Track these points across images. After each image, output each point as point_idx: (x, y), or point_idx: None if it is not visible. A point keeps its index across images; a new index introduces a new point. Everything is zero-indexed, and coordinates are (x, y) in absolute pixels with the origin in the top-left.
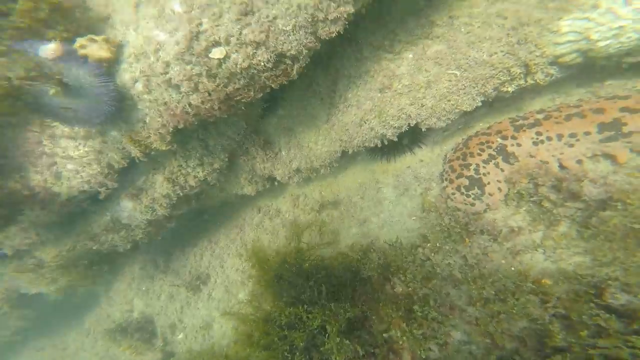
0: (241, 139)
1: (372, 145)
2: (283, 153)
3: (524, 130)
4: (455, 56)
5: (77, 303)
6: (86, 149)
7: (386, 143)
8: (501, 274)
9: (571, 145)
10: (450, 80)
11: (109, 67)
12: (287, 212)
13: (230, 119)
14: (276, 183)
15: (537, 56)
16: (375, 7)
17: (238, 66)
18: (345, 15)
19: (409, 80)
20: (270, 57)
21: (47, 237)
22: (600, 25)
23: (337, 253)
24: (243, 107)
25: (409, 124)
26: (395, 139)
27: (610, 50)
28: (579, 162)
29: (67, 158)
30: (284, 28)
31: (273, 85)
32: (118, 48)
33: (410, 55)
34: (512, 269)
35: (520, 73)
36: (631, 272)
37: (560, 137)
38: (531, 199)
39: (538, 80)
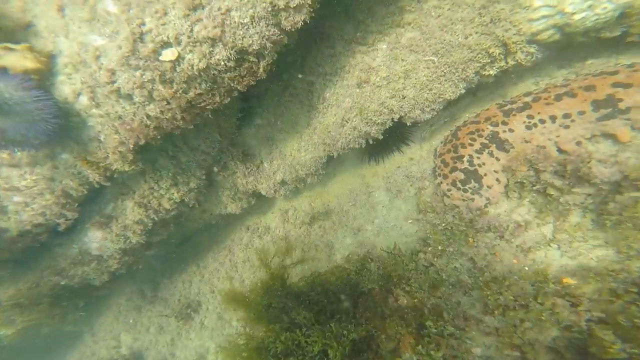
0: (217, 153)
1: (357, 145)
2: (265, 165)
3: (514, 115)
4: (430, 42)
5: (60, 342)
6: (34, 178)
7: (372, 143)
8: (516, 276)
9: (567, 127)
10: (428, 68)
11: (40, 80)
12: (277, 229)
13: (202, 131)
14: (263, 198)
15: (514, 34)
16: None
17: (195, 68)
18: (309, 2)
19: (387, 72)
20: (230, 54)
21: (1, 275)
22: None
23: (332, 266)
24: (210, 115)
25: (392, 119)
26: (381, 137)
27: (587, 23)
28: (578, 144)
29: (11, 190)
30: (240, 21)
31: (240, 88)
32: (49, 58)
33: (385, 46)
34: (526, 268)
35: (499, 54)
36: None
37: (553, 118)
38: (534, 187)
39: (520, 61)
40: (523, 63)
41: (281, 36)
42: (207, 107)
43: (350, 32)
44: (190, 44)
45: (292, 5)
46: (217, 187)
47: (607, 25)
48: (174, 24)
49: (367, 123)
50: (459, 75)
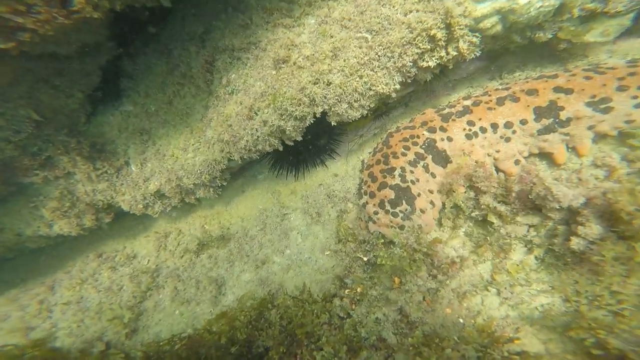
0: (31, 141)
1: (268, 147)
2: (133, 168)
3: (454, 120)
4: (365, 16)
5: None
6: None
7: (290, 145)
8: (456, 335)
9: (507, 140)
10: (360, 47)
11: None
12: (145, 258)
13: None
14: (136, 218)
15: (459, 15)
16: None
17: None
18: None
19: (312, 50)
20: None
21: None
22: None
23: (215, 316)
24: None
25: (314, 113)
26: (299, 138)
27: (532, 11)
28: (517, 163)
29: None
30: None
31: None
32: None
33: (313, 21)
34: (461, 321)
35: (441, 39)
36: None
37: (495, 127)
38: (472, 214)
39: (462, 51)
40: (465, 54)
41: None
42: None
43: (274, 2)
44: None
45: None
46: (32, 195)
47: (546, 19)
48: None
49: (281, 115)
50: (394, 63)
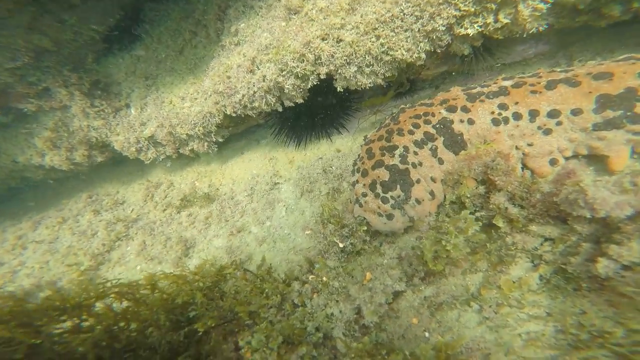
0: (25, 68)
1: (265, 106)
2: (132, 110)
3: (482, 101)
4: None
5: None
6: None
7: (295, 110)
8: (408, 349)
9: (547, 132)
10: (384, 2)
11: None
12: (130, 207)
13: None
14: (134, 164)
15: None
16: None
17: None
18: None
19: (328, 1)
20: None
21: None
22: None
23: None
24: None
25: (318, 73)
26: (300, 100)
27: None
28: (553, 163)
29: None
30: None
31: None
32: None
33: None
34: (426, 335)
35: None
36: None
37: (534, 115)
38: (477, 213)
39: (520, 19)
40: (524, 24)
41: None
42: None
43: None
44: None
45: None
46: (24, 123)
47: None
48: None
49: (281, 70)
50: (422, 25)
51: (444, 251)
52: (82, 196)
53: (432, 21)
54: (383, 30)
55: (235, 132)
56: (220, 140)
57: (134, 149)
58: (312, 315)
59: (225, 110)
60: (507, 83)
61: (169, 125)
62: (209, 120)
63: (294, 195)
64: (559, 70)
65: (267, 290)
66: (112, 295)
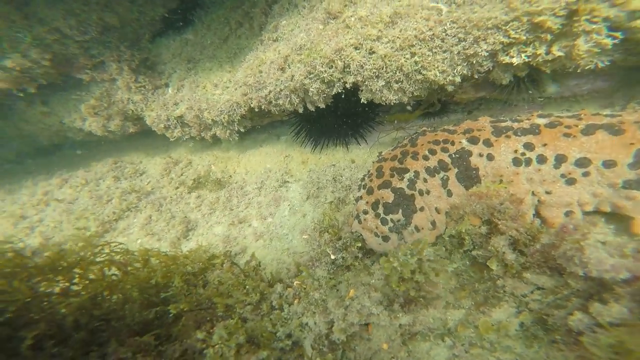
0: (89, 42)
1: (288, 105)
2: (169, 90)
3: (507, 137)
4: None
5: None
6: None
7: (317, 113)
8: None
9: (570, 182)
10: (427, 19)
11: None
12: (149, 178)
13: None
14: (159, 137)
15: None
16: None
17: None
18: None
19: (369, 11)
20: None
21: None
22: None
23: (158, 252)
24: None
25: (344, 82)
26: (322, 105)
27: None
28: (569, 214)
29: None
30: None
31: None
32: None
33: None
34: None
35: (550, 30)
36: None
37: (560, 160)
38: (473, 251)
39: (576, 54)
40: (579, 60)
41: None
42: None
43: None
44: None
45: None
46: (77, 90)
47: None
48: None
49: (308, 73)
50: (463, 48)
51: (408, 272)
52: (109, 161)
53: (475, 45)
54: (420, 48)
55: (259, 124)
56: (242, 130)
57: (162, 126)
58: (287, 321)
59: (251, 103)
60: (541, 121)
61: (197, 108)
62: (235, 109)
63: (300, 197)
64: (604, 113)
65: (248, 287)
66: (106, 260)
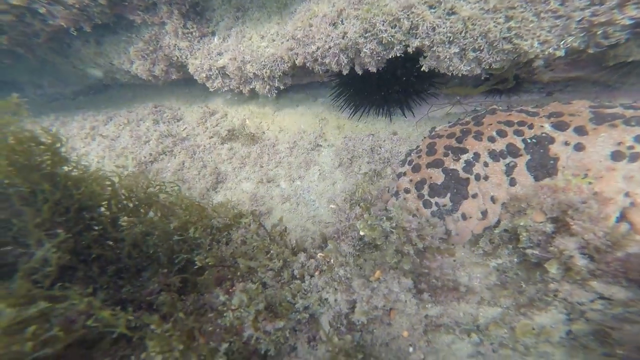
0: None
1: (335, 65)
2: (215, 39)
3: (613, 125)
4: None
5: None
6: None
7: (359, 73)
8: None
9: None
10: None
11: None
12: (185, 125)
13: None
14: (197, 84)
15: None
16: None
17: None
18: None
19: None
20: None
21: None
22: None
23: (188, 201)
24: None
25: (406, 44)
26: (373, 69)
27: None
28: None
29: None
30: None
31: None
32: None
33: None
34: (410, 350)
35: None
36: None
37: None
38: (527, 250)
39: None
40: None
41: None
42: None
43: None
44: None
45: None
46: (128, 32)
47: None
48: None
49: (365, 31)
50: (593, 14)
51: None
52: (150, 105)
53: (614, 12)
54: (523, 12)
55: (298, 82)
56: (282, 87)
57: (204, 75)
58: (306, 294)
59: (296, 59)
60: None
61: (240, 60)
62: (278, 65)
63: (332, 162)
64: None
65: (272, 251)
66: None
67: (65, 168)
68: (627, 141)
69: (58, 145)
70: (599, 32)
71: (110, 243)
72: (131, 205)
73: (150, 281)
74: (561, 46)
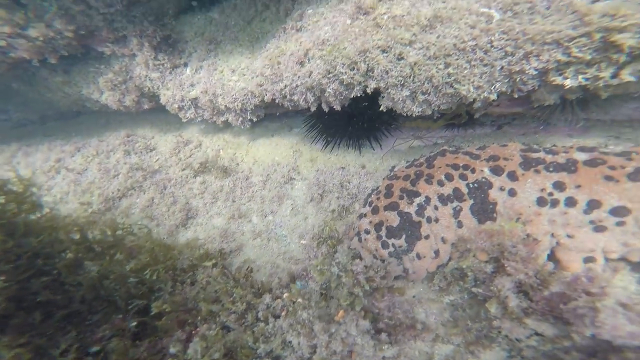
0: (113, 15)
1: (302, 102)
2: (187, 70)
3: (537, 172)
4: None
5: None
6: None
7: (325, 111)
8: None
9: (599, 229)
10: (473, 27)
11: None
12: (157, 155)
13: None
14: (171, 115)
15: None
16: None
17: None
18: None
19: (405, 10)
20: None
21: None
22: None
23: (146, 239)
24: None
25: (365, 85)
26: (338, 108)
27: None
28: (589, 261)
29: None
30: None
31: None
32: None
33: None
34: None
35: (632, 46)
36: None
37: (593, 207)
38: (473, 287)
39: None
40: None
41: None
42: None
43: None
44: None
45: None
46: (97, 62)
47: None
48: None
49: (328, 72)
50: (508, 64)
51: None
52: (122, 133)
53: (524, 61)
54: (457, 59)
55: (273, 112)
56: (254, 119)
57: (176, 106)
58: (269, 337)
59: (265, 95)
60: (581, 156)
61: (212, 93)
62: (249, 99)
63: (304, 197)
64: None
65: (235, 295)
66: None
67: (36, 215)
68: (547, 188)
69: (28, 194)
70: (517, 79)
71: (66, 287)
72: (98, 249)
73: (101, 327)
74: (493, 90)
